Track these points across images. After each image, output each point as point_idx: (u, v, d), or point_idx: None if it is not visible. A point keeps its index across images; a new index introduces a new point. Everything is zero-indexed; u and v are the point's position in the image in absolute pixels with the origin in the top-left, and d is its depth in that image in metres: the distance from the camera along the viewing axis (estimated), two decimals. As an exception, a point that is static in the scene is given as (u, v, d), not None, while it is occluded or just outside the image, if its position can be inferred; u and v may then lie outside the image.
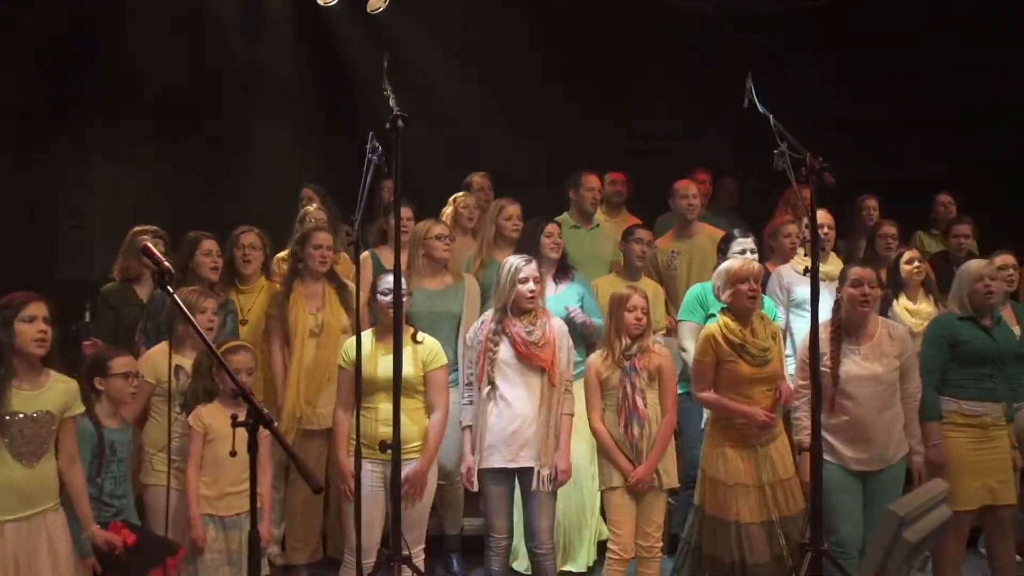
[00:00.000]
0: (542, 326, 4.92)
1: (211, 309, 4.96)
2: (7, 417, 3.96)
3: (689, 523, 5.02)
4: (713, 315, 5.27)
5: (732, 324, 4.87)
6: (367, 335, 4.81)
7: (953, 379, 5.10)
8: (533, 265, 4.96)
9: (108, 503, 4.42)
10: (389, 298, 4.68)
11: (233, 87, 8.07)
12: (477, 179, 7.20)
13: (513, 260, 4.97)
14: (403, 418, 4.55)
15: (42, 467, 4.05)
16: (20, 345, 3.98)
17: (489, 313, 5.00)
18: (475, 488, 4.89)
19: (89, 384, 4.44)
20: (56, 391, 4.11)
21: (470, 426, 4.92)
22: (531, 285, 4.89)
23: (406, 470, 4.65)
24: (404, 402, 4.58)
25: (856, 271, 4.97)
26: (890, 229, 6.38)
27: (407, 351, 4.67)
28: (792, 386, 5.02)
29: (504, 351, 4.89)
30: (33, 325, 4.00)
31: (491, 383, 4.86)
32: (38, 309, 4.02)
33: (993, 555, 5.26)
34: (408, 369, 4.66)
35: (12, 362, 3.99)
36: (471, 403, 4.94)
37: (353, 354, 4.62)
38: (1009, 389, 5.15)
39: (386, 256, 5.86)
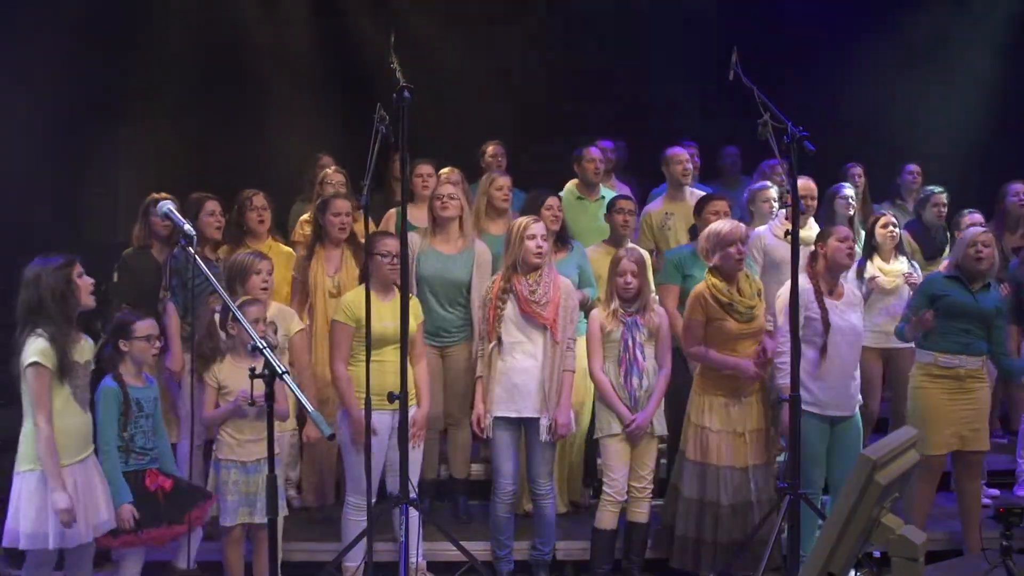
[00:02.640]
0: (547, 285, 4.92)
1: (266, 270, 4.85)
2: (75, 363, 4.05)
3: (675, 467, 5.14)
4: (689, 276, 5.31)
5: (720, 284, 4.92)
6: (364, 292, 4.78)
7: (932, 332, 5.13)
8: (541, 224, 4.97)
9: (140, 452, 4.46)
10: (387, 259, 4.75)
11: (250, 61, 8.03)
12: (491, 148, 7.12)
13: (522, 218, 5.00)
14: (396, 369, 4.59)
15: (90, 413, 4.19)
16: (83, 299, 4.09)
17: (501, 272, 5.01)
18: (486, 435, 4.92)
19: (114, 346, 4.47)
20: (87, 345, 4.21)
21: (480, 377, 4.94)
22: (539, 242, 4.89)
23: (410, 415, 4.70)
24: (395, 354, 4.63)
25: (840, 229, 5.09)
26: (848, 191, 6.34)
27: (397, 307, 4.65)
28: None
29: (510, 308, 4.90)
30: (85, 279, 4.10)
31: (499, 338, 4.88)
32: (80, 266, 4.12)
33: (961, 494, 5.33)
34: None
35: (72, 317, 4.08)
36: (483, 355, 4.95)
37: (353, 311, 4.74)
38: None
39: (412, 214, 5.80)
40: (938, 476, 5.25)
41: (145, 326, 4.50)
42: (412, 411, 4.77)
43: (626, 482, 4.97)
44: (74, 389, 4.07)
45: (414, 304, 4.93)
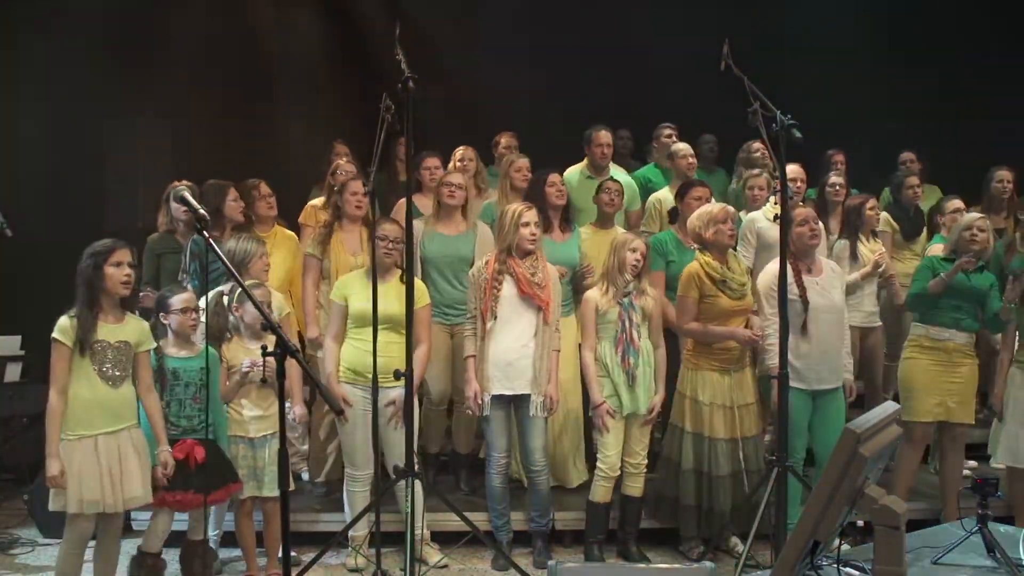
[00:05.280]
0: (542, 268, 4.92)
1: (264, 254, 4.96)
2: (96, 343, 4.07)
3: (671, 441, 5.12)
4: (672, 261, 5.30)
5: (712, 262, 4.93)
6: (363, 274, 4.82)
7: (927, 307, 5.16)
8: (534, 211, 4.94)
9: (174, 423, 4.46)
10: (383, 242, 4.76)
11: (263, 51, 7.99)
12: (504, 139, 7.06)
13: (516, 205, 4.96)
14: (392, 350, 4.63)
15: (124, 390, 4.18)
16: (109, 287, 4.08)
17: (492, 254, 4.98)
18: (483, 412, 4.89)
19: (157, 321, 4.53)
20: (133, 327, 4.23)
21: (473, 356, 4.91)
22: (532, 229, 4.87)
23: (392, 395, 4.72)
24: (391, 336, 4.64)
25: (800, 212, 5.07)
26: (836, 179, 6.36)
27: (396, 290, 4.66)
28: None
29: (507, 289, 4.87)
30: (120, 270, 4.09)
31: (494, 317, 4.85)
32: (123, 255, 4.11)
33: (943, 466, 5.34)
34: (396, 306, 4.62)
35: (100, 300, 4.09)
36: (474, 335, 4.92)
37: (340, 289, 4.85)
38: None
39: (420, 202, 5.84)
40: (922, 446, 5.27)
41: (180, 299, 4.53)
42: (397, 392, 4.69)
43: (619, 458, 4.95)
44: (100, 366, 4.08)
45: (418, 287, 4.88)
